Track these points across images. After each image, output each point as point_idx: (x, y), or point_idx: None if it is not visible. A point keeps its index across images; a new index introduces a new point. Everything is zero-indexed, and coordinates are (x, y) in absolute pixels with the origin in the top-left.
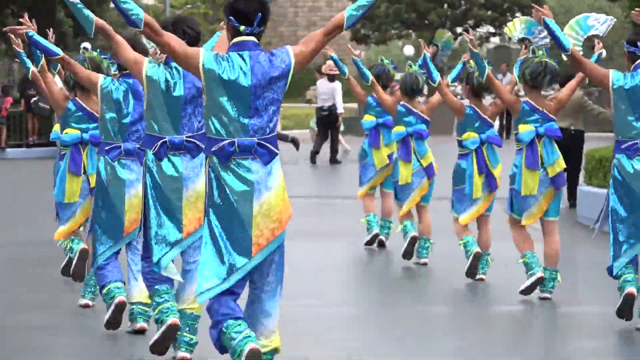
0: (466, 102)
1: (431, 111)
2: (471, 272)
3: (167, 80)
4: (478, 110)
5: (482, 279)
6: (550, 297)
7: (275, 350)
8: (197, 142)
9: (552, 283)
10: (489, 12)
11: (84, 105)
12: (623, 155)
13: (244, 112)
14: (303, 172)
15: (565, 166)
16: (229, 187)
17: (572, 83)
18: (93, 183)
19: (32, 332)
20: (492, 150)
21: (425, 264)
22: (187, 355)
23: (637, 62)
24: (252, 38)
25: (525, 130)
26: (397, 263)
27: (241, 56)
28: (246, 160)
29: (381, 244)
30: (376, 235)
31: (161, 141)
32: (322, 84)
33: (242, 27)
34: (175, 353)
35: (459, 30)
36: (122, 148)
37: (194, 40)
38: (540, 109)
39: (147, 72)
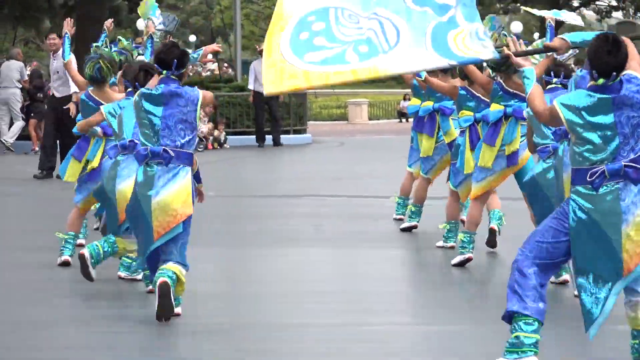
0: (457, 82)
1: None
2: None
3: None
4: (471, 89)
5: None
6: None
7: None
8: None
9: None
10: None
11: (96, 97)
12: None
13: None
14: None
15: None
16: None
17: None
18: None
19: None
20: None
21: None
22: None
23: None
24: None
25: (495, 109)
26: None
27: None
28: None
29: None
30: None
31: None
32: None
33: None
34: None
35: (575, 3)
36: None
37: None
38: (511, 90)
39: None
